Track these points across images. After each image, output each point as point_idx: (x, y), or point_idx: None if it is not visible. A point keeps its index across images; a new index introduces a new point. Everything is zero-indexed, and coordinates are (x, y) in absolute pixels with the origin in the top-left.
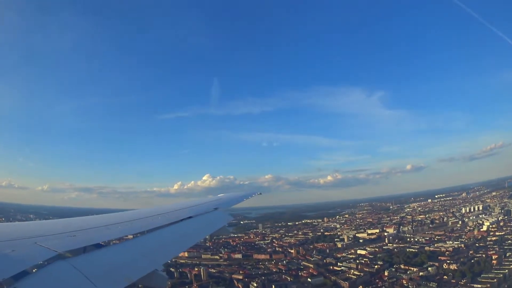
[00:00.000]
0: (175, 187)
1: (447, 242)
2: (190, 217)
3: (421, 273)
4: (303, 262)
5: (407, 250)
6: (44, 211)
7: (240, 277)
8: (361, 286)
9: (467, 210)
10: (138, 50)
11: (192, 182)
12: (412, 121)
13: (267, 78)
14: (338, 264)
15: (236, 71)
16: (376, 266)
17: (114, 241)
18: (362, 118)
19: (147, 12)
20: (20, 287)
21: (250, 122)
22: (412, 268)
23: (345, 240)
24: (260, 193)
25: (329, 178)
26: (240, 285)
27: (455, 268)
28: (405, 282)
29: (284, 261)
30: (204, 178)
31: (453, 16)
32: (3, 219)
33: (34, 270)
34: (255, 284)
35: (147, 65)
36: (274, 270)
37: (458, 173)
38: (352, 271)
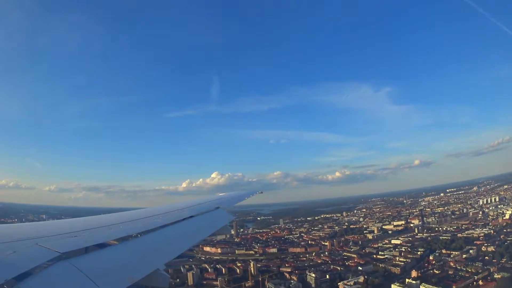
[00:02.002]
0: (184, 185)
1: (476, 229)
2: (191, 217)
3: (464, 256)
4: (345, 253)
5: (440, 238)
6: (55, 211)
7: (289, 269)
8: (414, 270)
9: (485, 202)
10: (145, 50)
11: (201, 179)
12: (419, 116)
13: (274, 75)
14: (379, 253)
15: (244, 69)
16: (419, 253)
17: (116, 241)
18: (370, 114)
19: (155, 11)
20: None
21: (258, 120)
22: (453, 252)
23: (375, 232)
24: (261, 192)
25: (337, 174)
26: (294, 277)
27: (493, 249)
28: (452, 264)
29: (326, 253)
30: (213, 175)
31: (459, 12)
32: (15, 220)
33: (36, 271)
34: (313, 275)
35: (155, 65)
36: (319, 261)
37: (466, 168)
38: (397, 258)
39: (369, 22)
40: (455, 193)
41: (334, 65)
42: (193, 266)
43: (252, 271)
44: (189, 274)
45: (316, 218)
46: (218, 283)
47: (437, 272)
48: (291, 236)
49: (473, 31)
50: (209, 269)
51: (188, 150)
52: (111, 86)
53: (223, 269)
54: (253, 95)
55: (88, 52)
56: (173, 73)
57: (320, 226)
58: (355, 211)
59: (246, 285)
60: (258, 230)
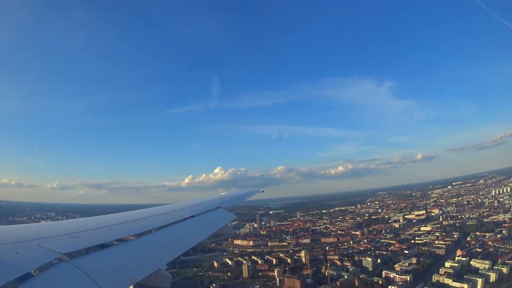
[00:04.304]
0: (186, 180)
1: (499, 215)
2: (192, 216)
3: (498, 236)
4: (382, 240)
5: (468, 223)
6: (61, 208)
7: (336, 257)
8: (458, 250)
9: (497, 192)
10: (148, 46)
11: (204, 175)
12: (421, 110)
13: (277, 71)
14: (416, 238)
15: (246, 64)
16: (455, 236)
17: (117, 242)
18: (372, 108)
19: (158, 8)
20: None
21: (261, 115)
22: (487, 234)
23: (401, 221)
24: (263, 191)
25: (340, 168)
26: (347, 263)
27: None
28: (490, 243)
29: (365, 240)
30: (216, 171)
31: (461, 6)
32: (24, 218)
33: (37, 272)
34: (369, 259)
35: (157, 61)
36: (361, 248)
37: (469, 162)
38: (436, 242)
39: (371, 17)
40: (463, 185)
41: (336, 60)
42: (238, 258)
43: (304, 260)
44: (244, 267)
45: (331, 210)
46: (275, 273)
47: (479, 250)
48: (317, 227)
49: (475, 26)
50: (259, 261)
51: (191, 146)
52: (113, 83)
53: (273, 260)
54: (256, 90)
55: (90, 49)
56: (176, 69)
57: (341, 217)
58: (368, 203)
59: (305, 273)
60: (280, 223)
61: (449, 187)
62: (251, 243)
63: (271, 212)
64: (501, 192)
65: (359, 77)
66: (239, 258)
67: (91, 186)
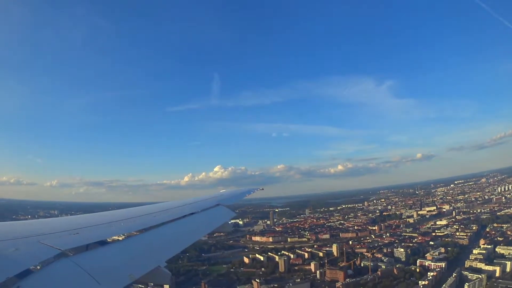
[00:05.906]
0: (186, 179)
1: (510, 209)
2: (192, 214)
3: None
4: (403, 233)
5: (482, 217)
6: (62, 206)
7: (364, 250)
8: (481, 239)
9: (503, 189)
10: (148, 44)
11: (203, 173)
12: (420, 110)
13: (277, 69)
14: (436, 231)
15: (246, 63)
16: (474, 228)
17: (117, 238)
18: (371, 107)
19: (159, 6)
20: (23, 286)
21: (261, 113)
22: (504, 225)
23: (414, 216)
24: (262, 188)
25: (339, 167)
26: (379, 255)
27: None
28: (509, 232)
29: (388, 234)
30: (216, 169)
31: (461, 6)
32: (28, 216)
33: (37, 269)
34: (401, 250)
35: (157, 59)
36: (386, 241)
37: (468, 161)
38: (457, 233)
39: (371, 16)
40: (465, 184)
41: (337, 59)
42: (268, 254)
43: (335, 254)
44: (280, 262)
45: (339, 208)
46: (311, 267)
47: (500, 239)
48: (331, 223)
49: (475, 26)
50: (292, 256)
51: (190, 144)
52: (113, 81)
53: (305, 254)
54: (256, 89)
55: (90, 47)
56: (176, 68)
57: (352, 214)
58: (374, 201)
59: (342, 265)
60: (292, 220)
61: (452, 185)
62: (270, 239)
63: (277, 210)
64: (506, 189)
65: (359, 75)
66: (269, 253)
67: (90, 184)
